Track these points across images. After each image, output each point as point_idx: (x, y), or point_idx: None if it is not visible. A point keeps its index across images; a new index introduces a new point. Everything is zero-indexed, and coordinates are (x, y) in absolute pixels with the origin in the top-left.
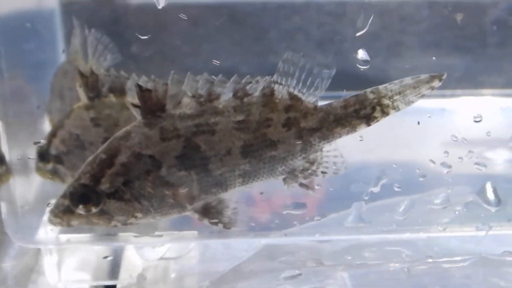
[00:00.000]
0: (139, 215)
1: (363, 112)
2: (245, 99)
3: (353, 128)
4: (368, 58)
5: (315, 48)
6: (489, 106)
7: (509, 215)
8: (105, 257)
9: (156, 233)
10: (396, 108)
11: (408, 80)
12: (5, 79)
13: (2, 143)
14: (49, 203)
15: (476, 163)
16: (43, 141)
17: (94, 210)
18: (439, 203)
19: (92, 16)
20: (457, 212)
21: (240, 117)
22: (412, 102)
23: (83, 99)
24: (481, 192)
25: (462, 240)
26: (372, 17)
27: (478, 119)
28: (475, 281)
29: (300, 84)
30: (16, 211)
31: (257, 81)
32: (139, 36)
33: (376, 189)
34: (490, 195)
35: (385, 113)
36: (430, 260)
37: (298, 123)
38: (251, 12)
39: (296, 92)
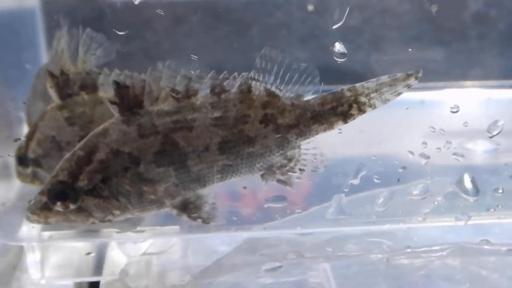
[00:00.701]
0: (117, 212)
1: (340, 110)
2: (223, 96)
3: (330, 125)
4: (345, 51)
5: (297, 43)
6: (468, 97)
7: (488, 205)
8: (88, 254)
9: (138, 228)
10: (373, 106)
11: (384, 78)
12: None
13: None
14: (30, 201)
15: (454, 154)
16: (23, 138)
17: (72, 207)
18: (419, 194)
19: (73, 14)
20: (436, 203)
21: (217, 114)
22: (389, 100)
23: (56, 99)
24: (460, 183)
25: (442, 230)
26: (348, 9)
27: (454, 110)
28: (454, 270)
29: (278, 81)
30: None
31: (234, 78)
32: (117, 32)
33: (355, 181)
34: (468, 185)
35: (361, 111)
36: (409, 250)
37: (275, 119)
38: (234, 8)
39: (273, 89)
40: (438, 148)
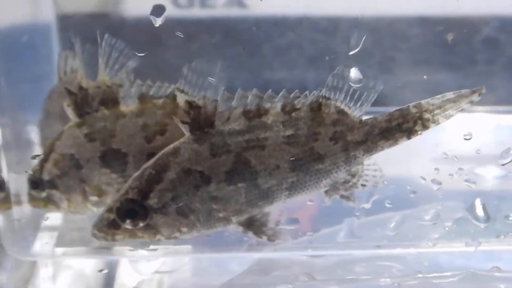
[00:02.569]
0: (184, 229)
1: (405, 126)
2: (293, 114)
3: (396, 141)
4: (361, 77)
5: (308, 64)
6: (479, 123)
7: (498, 231)
8: (100, 271)
9: (151, 247)
10: (436, 122)
11: (449, 95)
12: (3, 95)
13: (2, 166)
14: (46, 217)
15: (466, 180)
16: (41, 156)
17: (141, 224)
18: (430, 219)
19: (88, 30)
20: (447, 228)
21: (289, 132)
22: (452, 116)
23: (73, 118)
24: (471, 208)
25: (452, 255)
26: (364, 37)
27: (468, 137)
28: None
29: (348, 98)
30: (12, 224)
31: (305, 96)
32: (136, 53)
33: (367, 205)
34: (480, 212)
35: (425, 127)
36: (420, 275)
37: (344, 136)
38: (245, 28)
39: (343, 106)
40: (451, 174)
